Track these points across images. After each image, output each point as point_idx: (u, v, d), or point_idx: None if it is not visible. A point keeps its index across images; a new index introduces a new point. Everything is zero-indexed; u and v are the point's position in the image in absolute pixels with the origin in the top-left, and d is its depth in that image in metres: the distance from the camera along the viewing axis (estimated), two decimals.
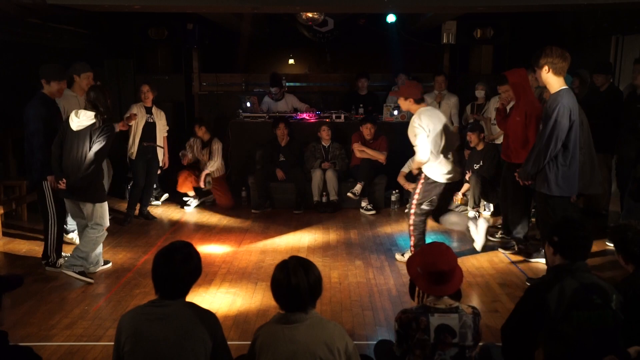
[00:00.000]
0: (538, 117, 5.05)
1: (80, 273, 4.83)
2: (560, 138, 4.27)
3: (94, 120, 4.69)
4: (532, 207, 5.68)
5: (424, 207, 5.12)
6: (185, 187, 7.44)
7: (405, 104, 5.10)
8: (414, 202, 5.13)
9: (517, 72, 5.28)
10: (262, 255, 5.58)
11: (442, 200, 5.20)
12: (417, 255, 2.73)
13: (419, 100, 5.03)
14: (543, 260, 5.22)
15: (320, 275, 2.50)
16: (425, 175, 5.03)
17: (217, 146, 7.46)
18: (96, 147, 4.69)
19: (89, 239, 4.88)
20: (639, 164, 5.18)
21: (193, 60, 9.25)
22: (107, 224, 5.02)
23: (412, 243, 5.24)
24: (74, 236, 5.87)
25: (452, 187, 5.22)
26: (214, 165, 7.40)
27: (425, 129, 4.87)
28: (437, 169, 4.99)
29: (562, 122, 4.23)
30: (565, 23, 8.28)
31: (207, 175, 7.39)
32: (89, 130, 4.69)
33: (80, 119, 4.72)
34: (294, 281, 2.39)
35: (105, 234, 5.02)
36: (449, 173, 5.01)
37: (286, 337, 2.38)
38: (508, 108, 5.60)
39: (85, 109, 4.75)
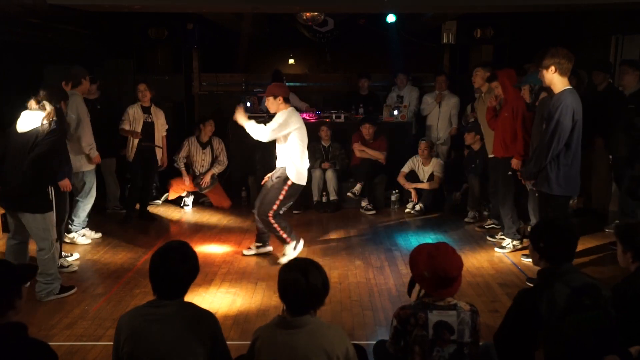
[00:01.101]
0: (524, 111, 5.26)
1: (60, 291, 4.52)
2: (562, 138, 4.28)
3: (39, 124, 4.26)
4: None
5: (282, 211, 5.33)
6: (177, 192, 7.45)
7: (275, 103, 5.28)
8: (275, 206, 5.21)
9: (507, 72, 5.49)
10: (262, 255, 5.58)
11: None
12: (425, 257, 2.67)
13: (287, 100, 5.29)
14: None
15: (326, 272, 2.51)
16: (292, 182, 5.22)
17: (220, 145, 7.44)
18: (36, 151, 4.22)
19: (46, 261, 4.43)
20: (637, 163, 5.19)
21: (193, 60, 9.25)
22: (54, 236, 4.49)
23: (285, 236, 5.32)
24: (75, 235, 5.89)
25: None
26: (222, 165, 7.39)
27: (290, 126, 5.18)
28: (303, 172, 5.29)
29: (564, 122, 4.25)
30: (565, 23, 8.28)
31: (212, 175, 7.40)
32: (35, 134, 4.25)
33: (26, 121, 4.31)
34: (312, 280, 2.36)
35: (56, 245, 4.58)
36: (305, 177, 5.34)
37: (285, 343, 2.36)
38: (497, 107, 5.67)
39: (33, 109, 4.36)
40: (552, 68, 4.31)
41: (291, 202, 5.47)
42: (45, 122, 4.28)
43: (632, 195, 5.18)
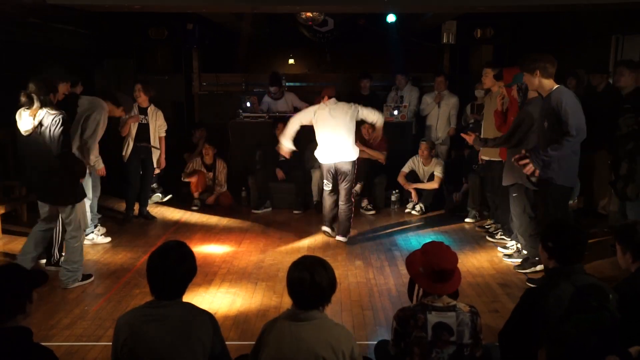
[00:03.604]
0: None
1: (82, 279, 4.78)
2: (582, 125, 4.30)
3: (37, 122, 4.37)
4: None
5: (323, 185, 6.10)
6: (200, 187, 7.45)
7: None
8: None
9: (514, 71, 5.29)
10: (262, 255, 5.58)
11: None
12: (419, 255, 2.73)
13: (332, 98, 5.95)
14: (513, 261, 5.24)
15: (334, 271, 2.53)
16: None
17: (222, 168, 7.54)
18: (57, 148, 4.39)
19: (75, 248, 4.67)
20: (623, 162, 5.21)
21: (193, 60, 9.25)
22: (86, 224, 4.81)
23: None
24: (93, 237, 5.91)
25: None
26: (222, 187, 7.51)
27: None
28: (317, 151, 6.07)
29: (578, 108, 4.30)
30: (565, 23, 8.28)
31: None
32: (40, 133, 4.38)
33: (26, 121, 4.41)
34: (318, 279, 2.40)
35: (83, 234, 4.86)
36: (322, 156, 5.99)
37: (292, 333, 2.38)
38: (504, 110, 5.61)
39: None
40: (537, 72, 4.39)
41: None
42: (35, 120, 4.34)
43: (621, 196, 5.19)
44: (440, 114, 7.94)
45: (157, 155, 6.80)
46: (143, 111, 6.61)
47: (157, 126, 6.74)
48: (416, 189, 7.23)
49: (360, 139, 7.38)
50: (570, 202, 5.96)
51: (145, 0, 6.17)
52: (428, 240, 5.30)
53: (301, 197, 7.32)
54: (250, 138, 7.82)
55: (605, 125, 6.13)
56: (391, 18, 8.74)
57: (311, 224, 6.69)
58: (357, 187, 7.21)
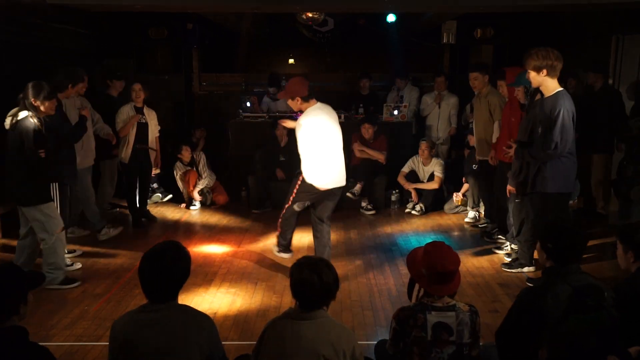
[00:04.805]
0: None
1: (62, 282, 4.69)
2: (568, 141, 4.25)
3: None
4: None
5: (296, 207, 4.85)
6: (193, 185, 7.43)
7: (295, 105, 4.59)
8: (290, 199, 4.81)
9: (514, 71, 5.23)
10: (262, 255, 5.58)
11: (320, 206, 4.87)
12: (421, 255, 2.71)
13: (307, 98, 4.56)
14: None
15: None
16: (303, 177, 4.63)
17: (199, 158, 7.52)
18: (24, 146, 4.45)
19: (45, 250, 4.64)
20: (630, 164, 5.20)
21: (193, 60, 9.27)
22: (53, 227, 4.61)
23: (277, 234, 5.05)
24: (106, 231, 5.97)
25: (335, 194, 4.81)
26: (204, 182, 7.46)
27: (306, 129, 4.50)
28: (316, 174, 4.59)
29: (568, 124, 4.23)
30: (565, 23, 8.28)
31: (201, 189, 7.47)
32: (12, 132, 4.50)
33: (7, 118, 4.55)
34: (325, 279, 2.41)
35: (58, 236, 4.66)
36: (328, 181, 4.62)
37: (294, 332, 2.38)
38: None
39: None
40: (544, 71, 4.26)
41: (304, 201, 4.87)
42: (8, 119, 4.47)
43: (624, 197, 5.18)
44: (441, 114, 7.95)
45: (154, 156, 6.79)
46: (139, 111, 6.58)
47: (153, 126, 6.72)
48: (416, 189, 7.23)
49: (360, 139, 7.39)
50: (570, 202, 5.97)
51: (145, 0, 6.17)
52: (428, 240, 5.31)
53: None
54: (250, 138, 7.82)
55: (604, 126, 6.15)
56: (391, 18, 8.75)
57: (311, 224, 6.67)
58: (357, 187, 7.21)
